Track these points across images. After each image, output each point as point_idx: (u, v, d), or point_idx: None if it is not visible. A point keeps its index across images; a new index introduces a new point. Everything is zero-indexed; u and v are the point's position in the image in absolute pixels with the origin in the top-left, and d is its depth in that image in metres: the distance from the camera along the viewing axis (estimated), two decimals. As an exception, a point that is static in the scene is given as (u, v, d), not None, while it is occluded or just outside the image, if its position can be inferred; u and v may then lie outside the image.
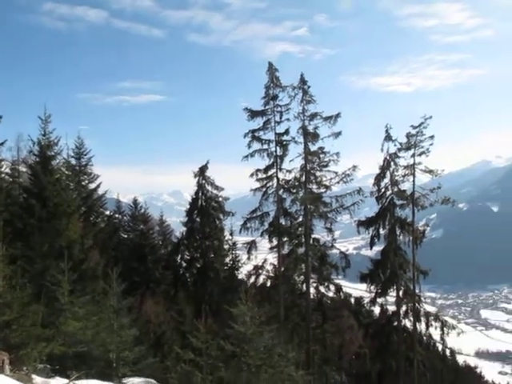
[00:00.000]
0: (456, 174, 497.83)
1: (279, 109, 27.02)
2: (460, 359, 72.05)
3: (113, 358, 12.40)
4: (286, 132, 27.09)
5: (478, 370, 65.71)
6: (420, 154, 25.52)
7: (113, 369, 12.38)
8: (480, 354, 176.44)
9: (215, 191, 29.97)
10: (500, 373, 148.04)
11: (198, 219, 29.91)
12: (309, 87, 26.46)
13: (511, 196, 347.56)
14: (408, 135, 25.63)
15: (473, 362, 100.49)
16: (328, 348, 28.21)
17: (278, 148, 27.12)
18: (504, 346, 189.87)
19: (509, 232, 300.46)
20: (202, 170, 29.73)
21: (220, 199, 30.04)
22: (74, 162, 27.53)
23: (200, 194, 29.92)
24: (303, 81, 26.52)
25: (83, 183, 27.99)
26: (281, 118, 27.07)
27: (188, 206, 30.80)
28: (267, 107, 27.10)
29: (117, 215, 31.76)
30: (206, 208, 29.64)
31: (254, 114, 27.12)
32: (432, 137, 25.29)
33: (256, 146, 27.19)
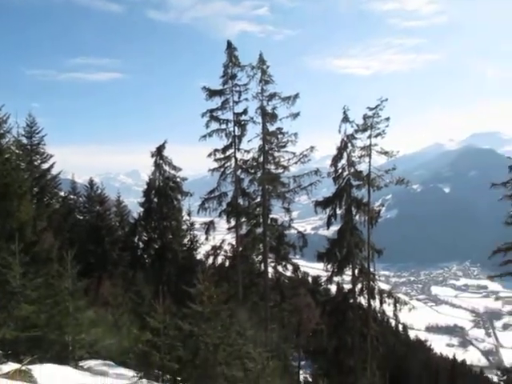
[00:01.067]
0: (410, 157, 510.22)
1: (238, 88, 26.83)
2: (412, 334, 75.21)
3: (69, 340, 12.19)
4: (245, 112, 26.97)
5: (428, 344, 68.61)
6: (376, 136, 25.88)
7: (69, 352, 12.18)
8: (430, 329, 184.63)
9: (173, 171, 29.54)
10: (448, 345, 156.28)
11: (155, 200, 29.42)
12: (268, 67, 26.35)
13: (462, 178, 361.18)
14: (365, 117, 25.91)
15: (423, 336, 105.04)
16: (286, 326, 28.63)
17: (236, 128, 27.02)
18: (452, 320, 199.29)
19: (459, 212, 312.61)
20: (160, 150, 29.19)
21: (178, 179, 29.61)
22: (25, 141, 26.27)
23: (157, 175, 29.38)
24: (262, 60, 26.35)
25: (35, 163, 26.82)
26: (239, 97, 26.92)
27: (145, 187, 30.29)
28: (225, 87, 26.83)
29: (72, 196, 30.88)
30: (163, 188, 29.19)
31: (212, 94, 26.80)
32: (388, 119, 25.69)
33: (214, 125, 27.02)
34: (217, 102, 26.94)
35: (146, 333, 12.37)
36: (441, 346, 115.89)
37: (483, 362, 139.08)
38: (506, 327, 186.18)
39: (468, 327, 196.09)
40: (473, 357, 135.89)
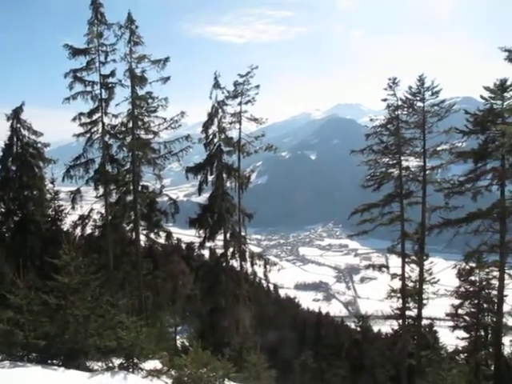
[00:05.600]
0: (280, 125, 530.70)
1: (104, 48, 25.09)
2: (282, 292, 79.87)
3: None
4: (112, 74, 25.47)
5: (297, 300, 73.59)
6: (246, 103, 26.33)
7: None
8: (298, 286, 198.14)
9: (33, 136, 27.14)
10: (314, 300, 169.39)
11: (13, 168, 26.96)
12: (137, 27, 24.95)
13: (327, 145, 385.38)
14: (235, 84, 26.18)
15: (293, 293, 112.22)
16: (161, 293, 28.62)
17: (103, 91, 25.44)
18: (317, 277, 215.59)
19: (324, 178, 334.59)
20: (17, 113, 26.55)
21: (39, 145, 27.38)
22: None
23: (15, 140, 26.80)
24: (131, 20, 24.88)
25: None
26: (106, 58, 25.22)
27: (1, 154, 27.53)
28: (91, 46, 24.97)
29: None
30: (22, 155, 26.75)
31: (75, 52, 24.78)
32: (258, 86, 26.21)
33: (79, 87, 25.12)
34: (81, 61, 25.00)
35: (6, 311, 11.47)
36: (308, 301, 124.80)
37: (344, 312, 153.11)
38: (362, 280, 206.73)
39: (331, 283, 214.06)
40: (335, 309, 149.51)
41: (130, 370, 11.34)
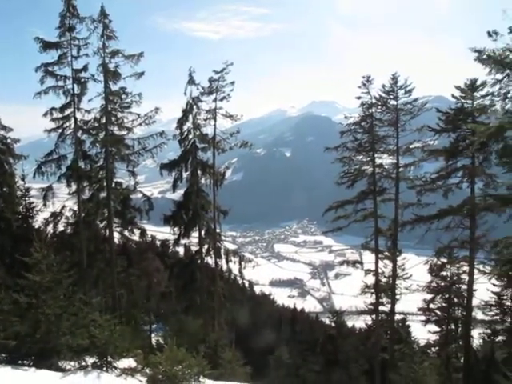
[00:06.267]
0: (256, 122, 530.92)
1: (77, 42, 24.58)
2: (257, 289, 79.92)
3: None
4: (85, 68, 25.03)
5: (272, 297, 73.75)
6: (221, 99, 26.25)
7: None
8: (274, 283, 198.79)
9: (2, 132, 26.50)
10: (289, 296, 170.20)
11: (-19, 164, 26.30)
12: (110, 21, 24.53)
13: (302, 142, 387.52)
14: (210, 80, 26.07)
15: (268, 290, 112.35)
16: (135, 291, 28.39)
17: (75, 86, 24.99)
18: (292, 273, 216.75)
19: (299, 175, 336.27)
20: (-15, 108, 25.97)
21: (8, 141, 26.73)
22: None
23: (-17, 135, 26.18)
24: (104, 14, 24.45)
25: None
26: (78, 52, 24.73)
27: (-32, 150, 26.75)
28: (63, 39, 24.47)
29: None
30: (-10, 151, 26.16)
31: (47, 46, 24.24)
32: (233, 83, 26.16)
33: (50, 82, 24.62)
34: (53, 55, 24.51)
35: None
36: (283, 297, 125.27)
37: (319, 308, 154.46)
38: (337, 276, 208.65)
39: (306, 279, 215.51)
40: (310, 305, 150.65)
41: (104, 368, 11.23)
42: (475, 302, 22.86)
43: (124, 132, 26.01)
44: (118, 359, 11.51)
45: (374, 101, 23.81)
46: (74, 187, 25.79)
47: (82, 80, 25.11)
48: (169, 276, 29.33)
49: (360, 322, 35.78)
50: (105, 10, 24.50)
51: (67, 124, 25.38)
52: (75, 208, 26.04)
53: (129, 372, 11.17)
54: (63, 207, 25.96)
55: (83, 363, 11.17)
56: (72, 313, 11.44)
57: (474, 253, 21.13)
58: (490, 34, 15.68)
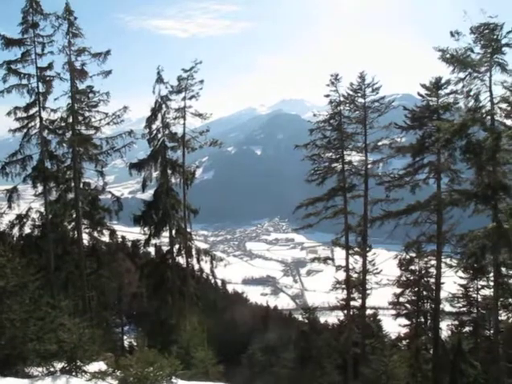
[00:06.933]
0: (225, 120, 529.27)
1: (41, 39, 24.05)
2: (230, 287, 79.87)
3: None
4: (50, 66, 24.49)
5: (244, 295, 73.88)
6: (190, 98, 26.22)
7: None
8: (246, 281, 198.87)
9: (-37, 132, 25.82)
10: (262, 294, 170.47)
11: None
12: (75, 18, 24.11)
13: (272, 140, 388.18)
14: (179, 78, 25.96)
15: (240, 288, 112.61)
16: (106, 293, 28.02)
17: (40, 84, 24.45)
18: (265, 271, 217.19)
19: (269, 172, 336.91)
20: None
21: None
22: None
23: None
24: (69, 11, 23.95)
25: None
26: (43, 50, 24.20)
27: None
28: (26, 36, 23.86)
29: None
30: (-49, 152, 25.36)
31: (9, 43, 23.56)
32: (202, 81, 26.14)
33: (13, 80, 24.00)
34: (16, 53, 23.88)
35: None
36: (256, 295, 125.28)
37: (291, 305, 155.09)
38: (309, 273, 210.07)
39: (279, 276, 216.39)
40: (283, 302, 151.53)
41: (73, 373, 10.99)
42: (443, 294, 23.47)
43: (92, 131, 25.65)
44: (87, 363, 11.29)
45: (342, 99, 24.03)
46: (40, 188, 25.26)
47: (48, 78, 24.59)
48: (140, 276, 29.01)
49: (332, 318, 36.10)
50: (70, 7, 24.06)
51: (32, 123, 24.83)
52: (42, 210, 25.50)
53: (99, 376, 10.95)
54: (29, 209, 25.38)
55: (51, 369, 10.90)
56: (39, 317, 11.19)
57: (441, 247, 21.62)
58: (452, 34, 16.14)
